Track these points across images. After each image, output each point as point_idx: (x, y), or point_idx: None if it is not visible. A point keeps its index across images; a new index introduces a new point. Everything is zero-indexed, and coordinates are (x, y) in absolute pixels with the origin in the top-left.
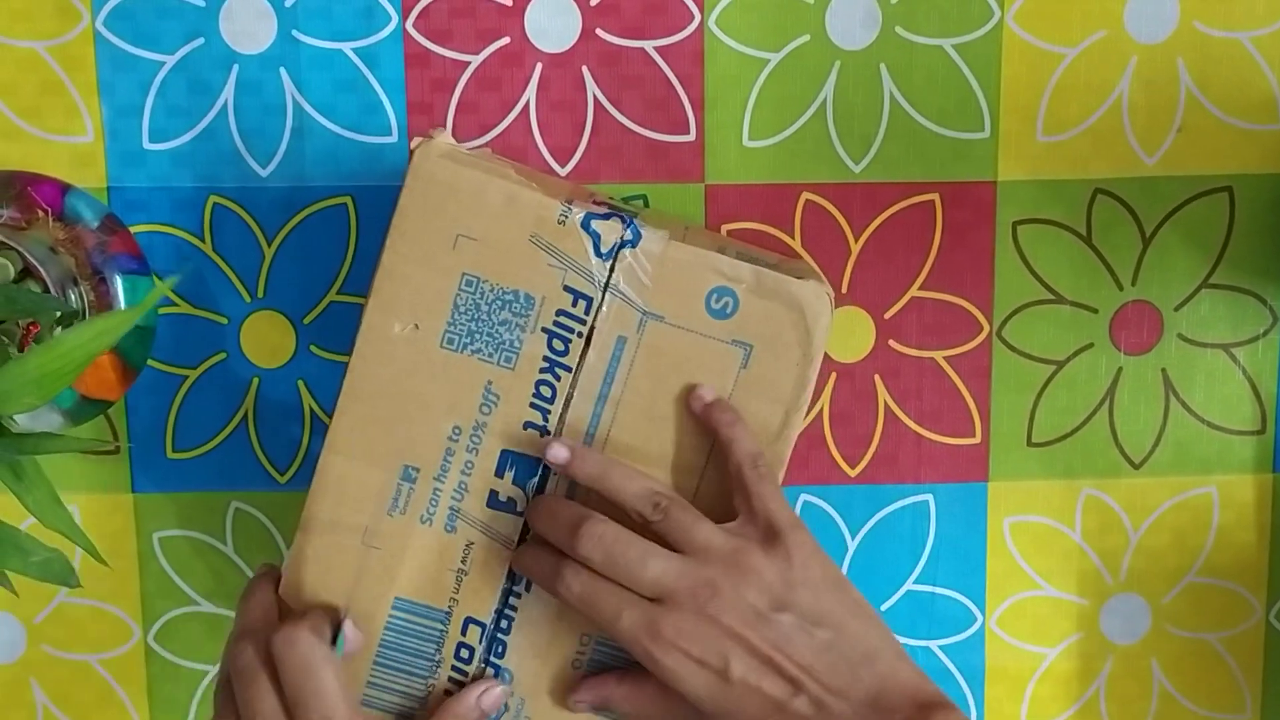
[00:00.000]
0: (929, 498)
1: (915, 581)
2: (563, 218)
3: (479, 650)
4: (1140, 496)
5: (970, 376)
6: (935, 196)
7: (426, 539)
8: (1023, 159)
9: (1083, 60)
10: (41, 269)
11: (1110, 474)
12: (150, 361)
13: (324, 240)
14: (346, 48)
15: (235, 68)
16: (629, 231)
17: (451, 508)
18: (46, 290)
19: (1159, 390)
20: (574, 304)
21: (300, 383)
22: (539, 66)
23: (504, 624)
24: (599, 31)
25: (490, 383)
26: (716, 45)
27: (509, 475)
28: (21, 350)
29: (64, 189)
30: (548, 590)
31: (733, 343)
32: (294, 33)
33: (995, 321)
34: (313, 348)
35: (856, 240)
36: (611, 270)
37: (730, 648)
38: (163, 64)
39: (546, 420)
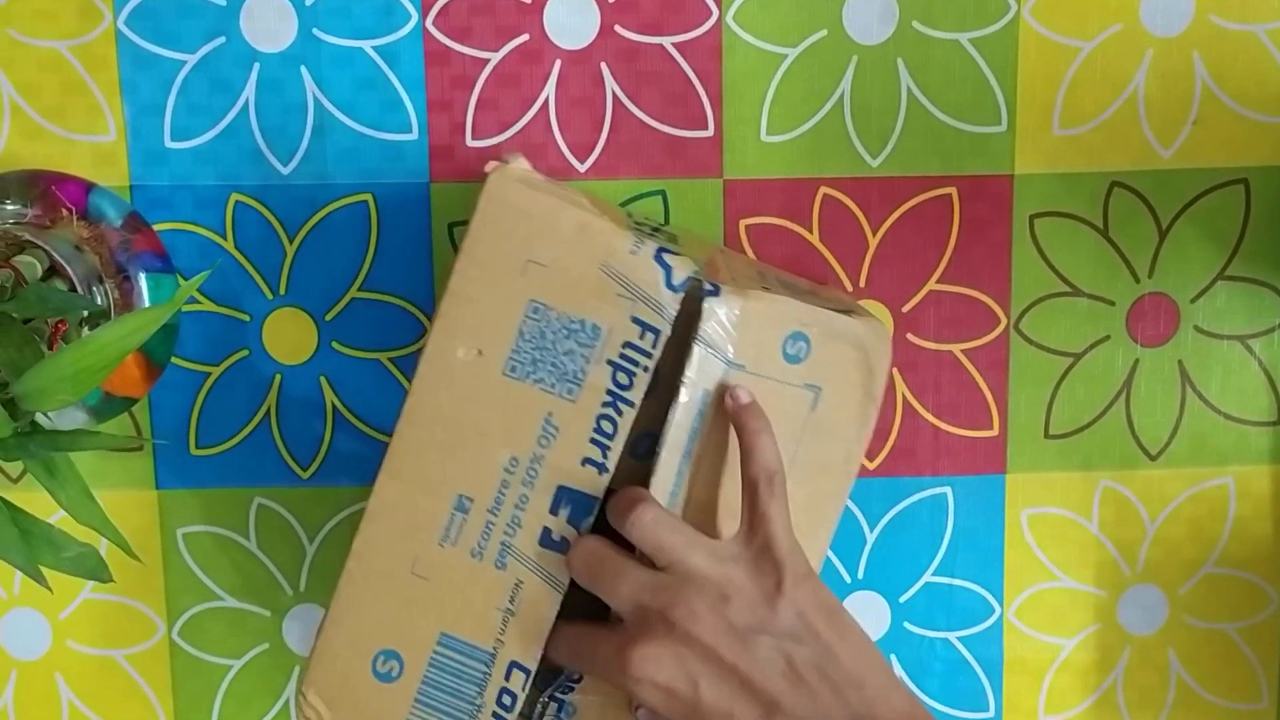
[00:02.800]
0: (947, 490)
1: (934, 573)
2: (635, 248)
3: (521, 699)
4: (1157, 488)
5: (988, 369)
6: (952, 190)
7: (476, 574)
8: (1039, 152)
9: (1099, 54)
10: (68, 267)
11: (1127, 465)
12: (174, 359)
13: (345, 237)
14: (367, 46)
15: (256, 66)
16: (707, 284)
17: (503, 543)
18: (73, 288)
19: (1176, 382)
20: (641, 336)
21: (322, 379)
22: (558, 63)
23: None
24: (617, 28)
25: (551, 414)
26: (734, 41)
27: (563, 513)
28: (50, 348)
29: (88, 188)
30: None
31: (805, 386)
32: (314, 31)
33: (1013, 314)
34: (334, 344)
35: (874, 234)
36: (684, 309)
37: (700, 669)
38: (184, 63)
39: (605, 457)
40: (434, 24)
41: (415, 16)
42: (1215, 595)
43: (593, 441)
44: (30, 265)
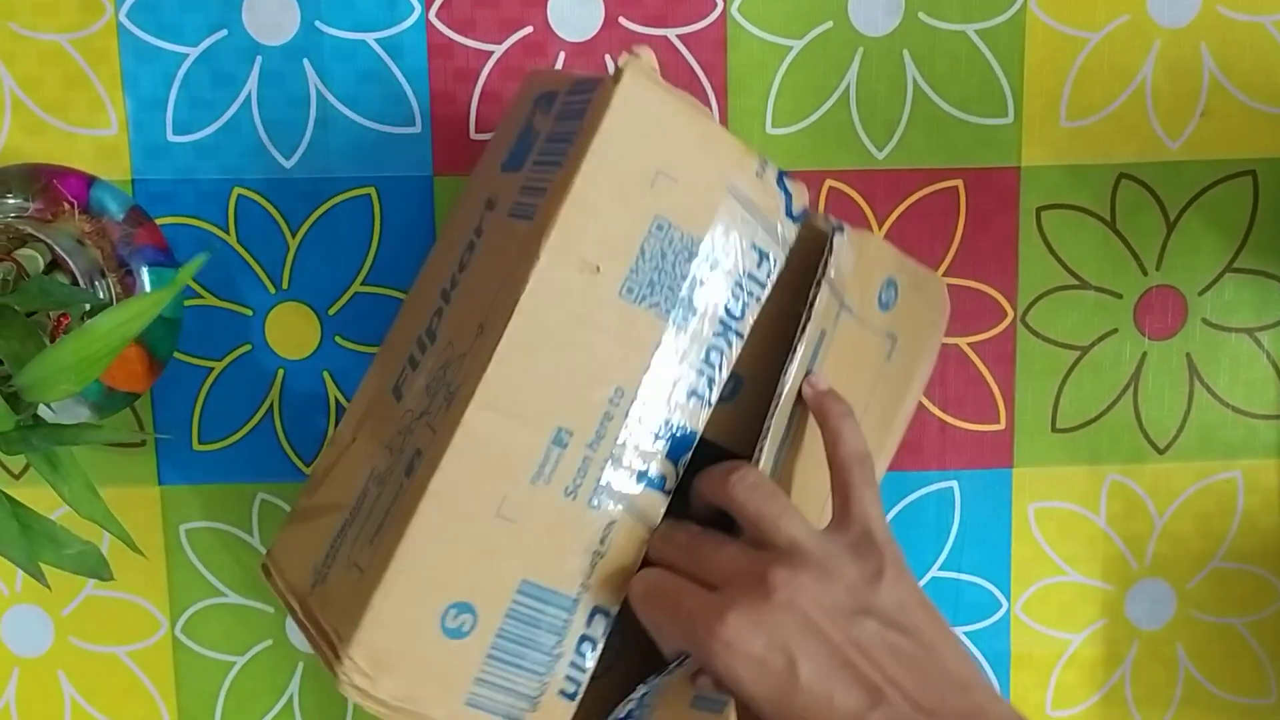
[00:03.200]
0: (954, 484)
1: (940, 568)
2: (760, 170)
3: (599, 645)
4: (1165, 481)
5: (995, 363)
6: (959, 183)
7: (567, 514)
8: (1046, 144)
9: (1106, 45)
10: (69, 261)
11: (1135, 459)
12: (176, 354)
13: (348, 231)
14: (369, 38)
15: (258, 59)
16: (832, 219)
17: (599, 481)
18: (75, 282)
19: (1183, 375)
20: (758, 264)
21: (325, 374)
22: (562, 55)
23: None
24: (622, 20)
25: (661, 342)
26: (739, 33)
27: (662, 448)
28: (52, 342)
29: (89, 181)
30: None
31: (886, 335)
32: (317, 23)
33: (1019, 307)
34: (337, 339)
35: (880, 227)
36: (798, 238)
37: (800, 644)
38: (186, 56)
39: (710, 390)
40: (437, 16)
41: (418, 8)
42: (1223, 589)
43: (699, 373)
44: (32, 259)
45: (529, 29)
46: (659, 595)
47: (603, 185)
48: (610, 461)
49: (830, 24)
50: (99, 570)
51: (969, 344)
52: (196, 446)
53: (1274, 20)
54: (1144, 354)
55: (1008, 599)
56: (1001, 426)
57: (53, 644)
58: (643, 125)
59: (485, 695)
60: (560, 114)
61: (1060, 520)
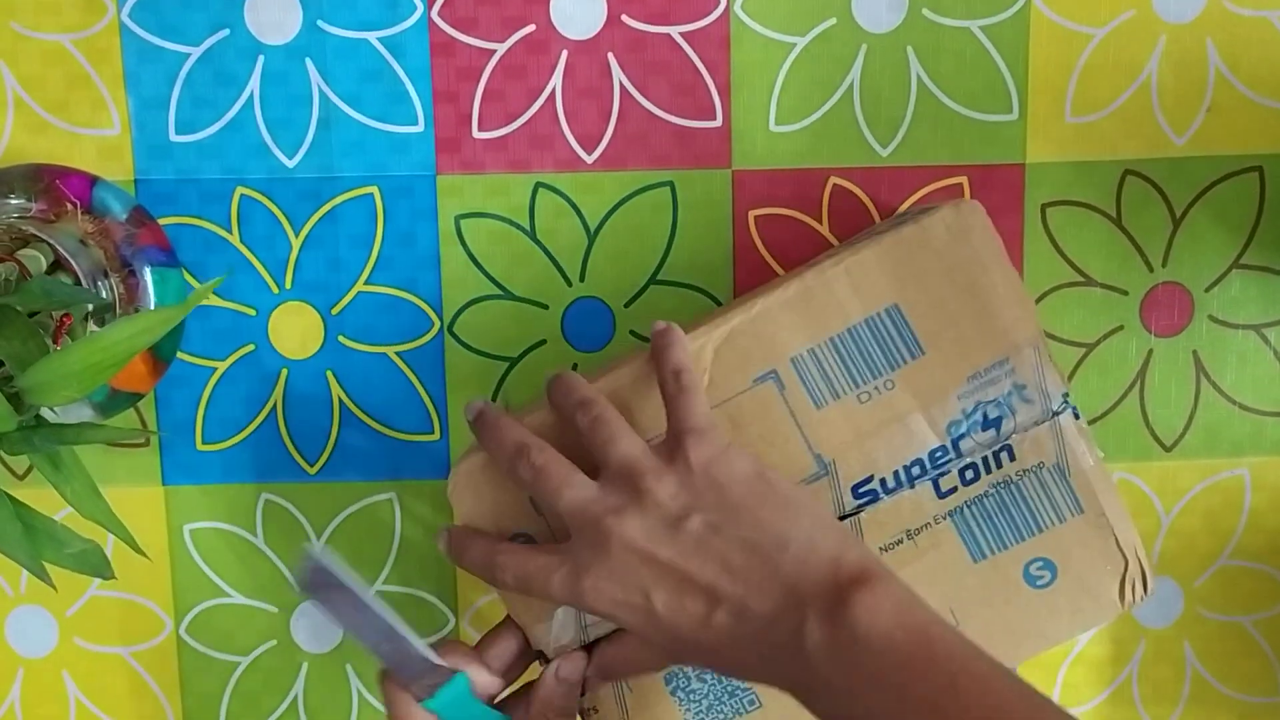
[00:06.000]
0: None
1: None
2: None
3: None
4: (1172, 479)
5: None
6: (964, 179)
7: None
8: (1051, 141)
9: (1111, 40)
10: (72, 261)
11: (1141, 457)
12: (179, 354)
13: (351, 231)
14: (372, 37)
15: (261, 59)
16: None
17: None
18: (77, 282)
19: (1190, 372)
20: (982, 426)
21: (328, 373)
22: (564, 54)
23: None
24: (624, 18)
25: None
26: (742, 30)
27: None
28: (55, 342)
29: (92, 181)
30: (487, 582)
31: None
32: (319, 23)
33: None
34: (341, 338)
35: None
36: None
37: (645, 577)
38: (188, 55)
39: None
40: (439, 15)
41: (420, 7)
42: (1231, 588)
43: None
44: (34, 259)
45: (531, 27)
46: (528, 582)
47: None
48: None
49: (834, 21)
50: (101, 569)
51: None
52: (200, 446)
53: None
54: (1150, 351)
55: None
56: None
57: (57, 645)
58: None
59: None
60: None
61: None
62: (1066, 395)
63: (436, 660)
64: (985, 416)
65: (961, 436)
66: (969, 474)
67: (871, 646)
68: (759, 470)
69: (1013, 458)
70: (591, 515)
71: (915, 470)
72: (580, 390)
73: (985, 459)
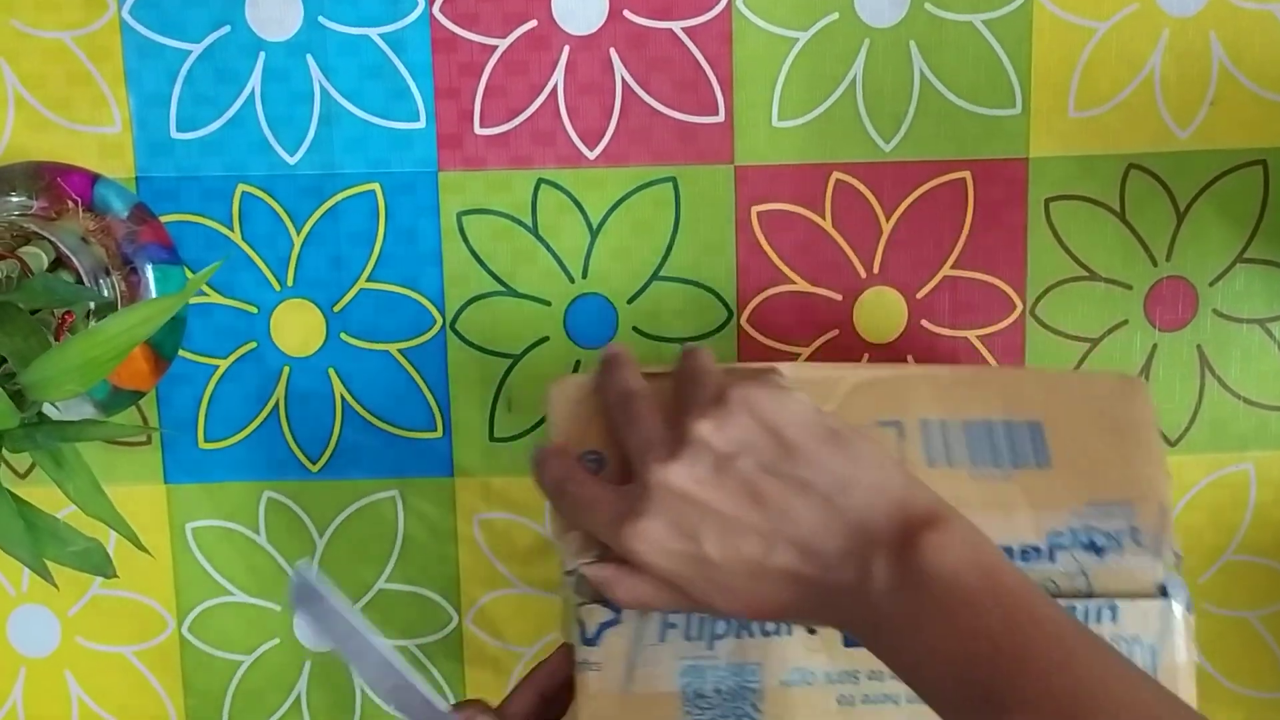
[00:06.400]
0: None
1: None
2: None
3: None
4: (1177, 474)
5: (1004, 355)
6: (966, 174)
7: None
8: (1054, 135)
9: (1114, 34)
10: (74, 259)
11: None
12: (181, 352)
13: (353, 228)
14: (373, 33)
15: (262, 55)
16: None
17: None
18: (79, 280)
19: (1194, 367)
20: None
21: (331, 371)
22: (566, 49)
23: None
24: (626, 13)
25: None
26: (745, 25)
27: None
28: (57, 340)
29: (93, 179)
30: (551, 502)
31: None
32: (320, 19)
33: (1029, 300)
34: (343, 336)
35: (887, 220)
36: None
37: (694, 521)
38: (189, 52)
39: None
40: (441, 10)
41: (421, 3)
42: (1236, 583)
43: None
44: (36, 256)
45: (533, 23)
46: (574, 500)
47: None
48: None
49: (836, 15)
50: (103, 567)
51: (978, 337)
52: (202, 444)
53: None
54: (1154, 345)
55: None
56: None
57: (59, 644)
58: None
59: None
60: None
61: None
62: (1178, 555)
63: (443, 708)
64: (1092, 541)
65: (1060, 546)
66: (1049, 585)
67: (939, 585)
68: (817, 412)
69: (1115, 620)
70: (645, 460)
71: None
72: (697, 358)
73: (1075, 584)
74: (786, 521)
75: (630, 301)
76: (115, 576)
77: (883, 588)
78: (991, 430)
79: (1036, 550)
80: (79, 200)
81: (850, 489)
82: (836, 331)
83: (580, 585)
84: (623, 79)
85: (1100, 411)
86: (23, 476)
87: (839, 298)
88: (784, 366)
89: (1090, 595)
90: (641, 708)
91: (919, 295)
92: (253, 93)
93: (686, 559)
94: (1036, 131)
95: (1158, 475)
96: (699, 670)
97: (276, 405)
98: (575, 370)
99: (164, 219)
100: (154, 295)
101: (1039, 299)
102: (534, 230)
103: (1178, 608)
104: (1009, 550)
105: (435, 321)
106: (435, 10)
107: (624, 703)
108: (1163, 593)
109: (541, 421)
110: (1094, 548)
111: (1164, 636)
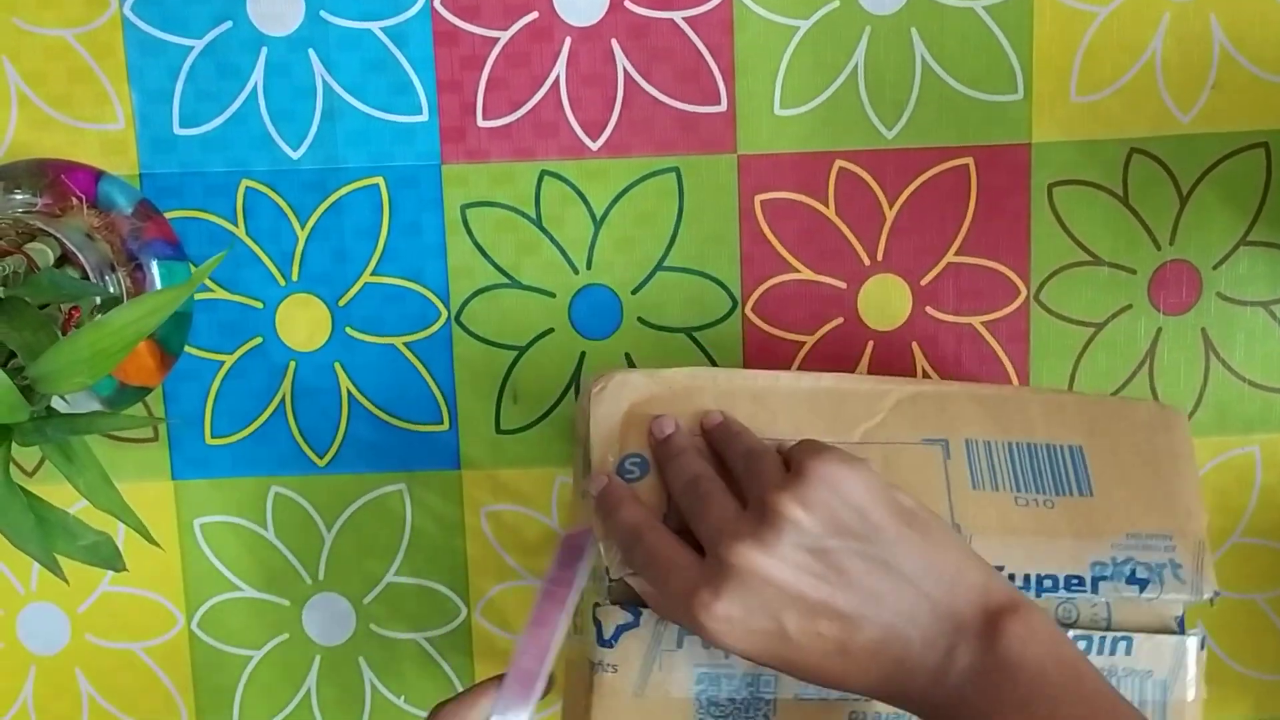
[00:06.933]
0: None
1: None
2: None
3: None
4: None
5: (1009, 341)
6: (969, 161)
7: None
8: (1057, 120)
9: (1115, 19)
10: (80, 255)
11: None
12: (187, 348)
13: (357, 222)
14: (375, 27)
15: (264, 50)
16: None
17: None
18: (85, 276)
19: (1199, 350)
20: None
21: (336, 365)
22: (568, 41)
23: None
24: (627, 4)
25: None
26: (746, 14)
27: None
28: (64, 335)
29: (97, 176)
30: (618, 545)
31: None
32: (322, 13)
33: (1033, 285)
34: (348, 329)
35: (891, 207)
36: None
37: (779, 603)
38: (191, 48)
39: None
40: (442, 4)
41: None
42: (1243, 565)
43: None
44: (42, 253)
45: (534, 15)
46: (650, 555)
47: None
48: None
49: (837, 3)
50: (113, 561)
51: (982, 323)
52: (209, 440)
53: None
54: (1159, 329)
55: None
56: None
57: (69, 642)
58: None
59: None
60: None
61: None
62: (1216, 594)
63: None
64: (1134, 573)
65: (1103, 578)
66: (1067, 612)
67: (1022, 674)
68: (890, 488)
69: (1129, 653)
70: (723, 538)
71: (1047, 583)
72: (741, 434)
73: (1096, 615)
74: (871, 604)
75: (634, 292)
76: (125, 570)
77: (964, 673)
78: (1034, 453)
79: (1080, 580)
80: (83, 197)
81: (934, 572)
82: (841, 319)
83: (616, 591)
84: (624, 70)
85: (1140, 440)
86: (30, 474)
87: (843, 286)
88: (828, 377)
89: (1109, 629)
90: (654, 712)
91: (923, 282)
92: (255, 88)
93: (766, 637)
94: (1039, 117)
95: (1196, 508)
96: (714, 679)
97: (283, 400)
98: (580, 362)
99: (168, 215)
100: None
101: (1043, 284)
102: (538, 222)
103: (1192, 644)
104: (1055, 582)
105: (440, 314)
106: (436, 3)
107: (637, 706)
108: (1179, 628)
109: (548, 414)
110: (1136, 580)
111: (1176, 672)
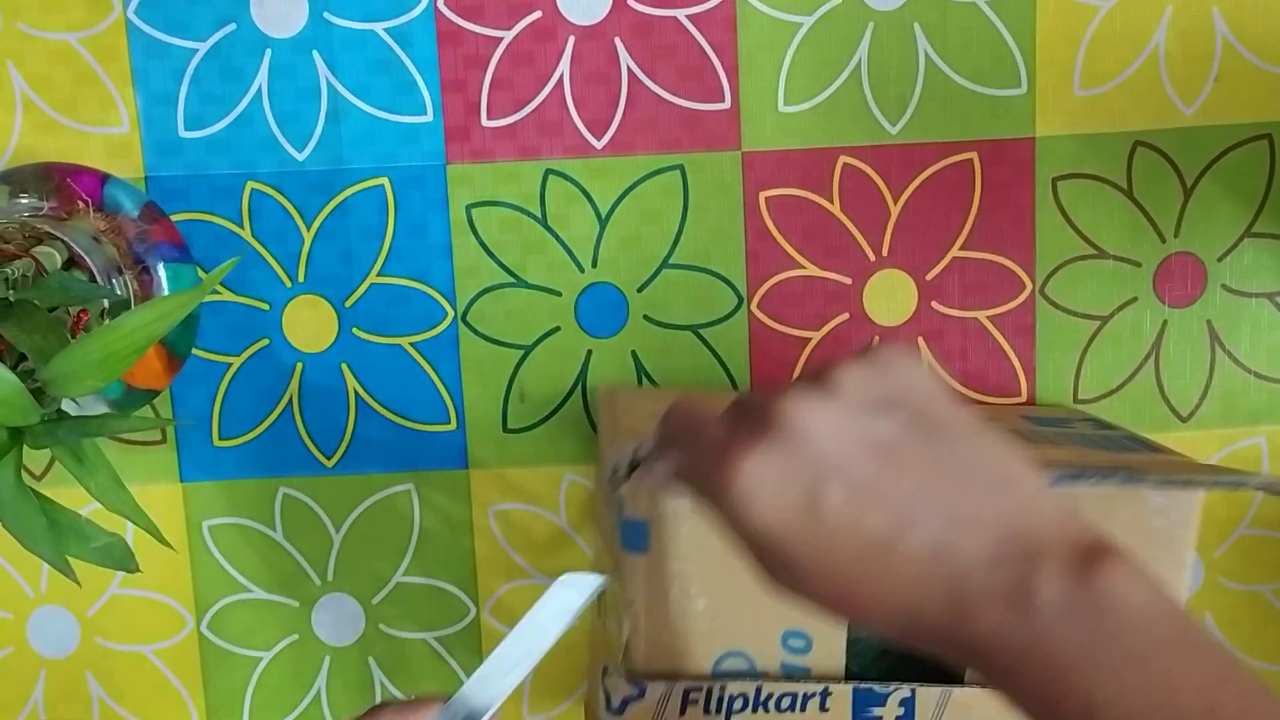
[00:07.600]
0: None
1: None
2: None
3: None
4: (1189, 449)
5: (1014, 335)
6: (974, 155)
7: None
8: (1061, 114)
9: (1118, 12)
10: (87, 258)
11: (1158, 428)
12: (194, 350)
13: (362, 222)
14: (379, 28)
15: (268, 52)
16: None
17: None
18: (92, 279)
19: (1204, 342)
20: None
21: (343, 366)
22: (571, 40)
23: None
24: (630, 2)
25: None
26: (749, 11)
27: None
28: (73, 338)
29: (103, 179)
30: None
31: None
32: (325, 15)
33: (1038, 279)
34: (355, 330)
35: (896, 202)
36: None
37: (818, 471)
38: (195, 51)
39: None
40: (445, 4)
41: None
42: (1250, 557)
43: None
44: (50, 256)
45: (538, 14)
46: (682, 416)
47: None
48: None
49: None
50: (125, 562)
51: (988, 317)
52: (217, 442)
53: None
54: (1164, 322)
55: None
56: (1023, 399)
57: (79, 645)
58: None
59: None
60: None
61: None
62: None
63: None
64: None
65: None
66: None
67: (1128, 620)
68: (965, 407)
69: None
70: (766, 399)
71: None
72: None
73: None
74: (929, 501)
75: (640, 290)
76: (139, 571)
77: (1052, 608)
78: None
79: None
80: (89, 200)
81: (1008, 487)
82: (847, 315)
83: (621, 496)
84: (628, 68)
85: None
86: (39, 478)
87: (849, 281)
88: None
89: None
90: None
91: (928, 277)
92: (260, 90)
93: (797, 514)
94: (1043, 111)
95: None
96: None
97: (290, 401)
98: (587, 361)
99: (174, 218)
100: (166, 294)
101: (1048, 278)
102: (543, 221)
103: None
104: None
105: (446, 314)
106: (440, 4)
107: None
108: None
109: (556, 412)
110: None
111: None
